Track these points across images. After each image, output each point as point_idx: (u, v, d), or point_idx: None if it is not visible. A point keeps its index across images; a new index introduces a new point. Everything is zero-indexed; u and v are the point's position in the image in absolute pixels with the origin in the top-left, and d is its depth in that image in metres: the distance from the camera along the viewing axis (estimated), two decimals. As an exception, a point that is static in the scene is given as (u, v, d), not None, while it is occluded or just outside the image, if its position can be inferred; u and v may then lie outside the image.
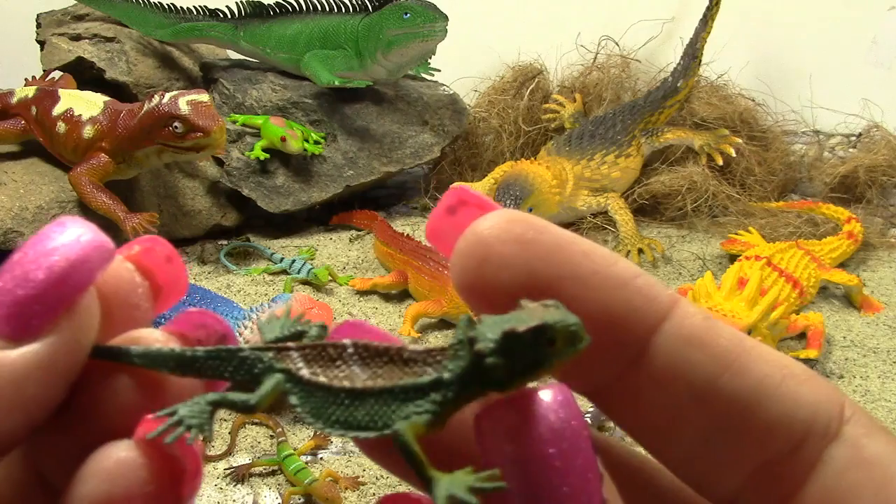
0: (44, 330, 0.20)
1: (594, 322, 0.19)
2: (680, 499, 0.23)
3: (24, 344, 0.20)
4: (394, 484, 0.79)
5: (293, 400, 0.22)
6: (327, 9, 1.47)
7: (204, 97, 1.14)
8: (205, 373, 0.23)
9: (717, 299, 0.95)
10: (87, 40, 1.49)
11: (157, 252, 0.24)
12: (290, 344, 0.23)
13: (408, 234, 1.25)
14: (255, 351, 0.23)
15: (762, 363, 0.20)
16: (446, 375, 0.20)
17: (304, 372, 0.22)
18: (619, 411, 0.21)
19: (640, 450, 0.22)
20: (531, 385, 0.19)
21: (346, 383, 0.21)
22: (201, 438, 0.21)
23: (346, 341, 0.22)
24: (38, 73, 1.48)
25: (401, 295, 1.18)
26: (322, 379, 0.21)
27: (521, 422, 0.18)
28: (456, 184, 0.21)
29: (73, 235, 0.21)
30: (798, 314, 1.04)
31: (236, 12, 1.52)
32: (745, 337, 0.21)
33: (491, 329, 0.19)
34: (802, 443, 0.20)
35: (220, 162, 1.40)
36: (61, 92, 1.28)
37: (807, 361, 0.95)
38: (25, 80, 1.47)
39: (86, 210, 1.22)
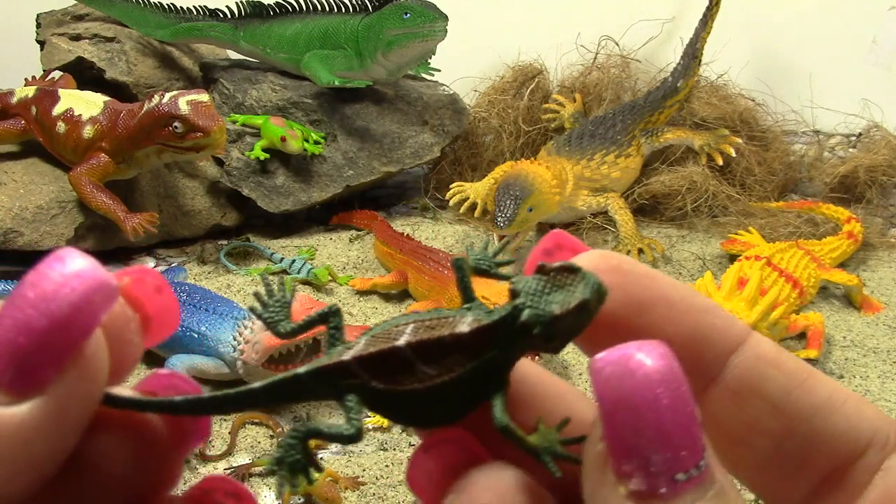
0: (50, 381, 0.19)
1: (682, 340, 0.22)
2: None
3: (29, 397, 0.19)
4: (394, 484, 0.79)
5: (380, 412, 0.23)
6: (327, 9, 1.47)
7: (204, 97, 1.14)
8: (267, 404, 0.23)
9: (717, 299, 0.95)
10: (87, 40, 1.49)
11: (147, 283, 0.23)
12: (343, 359, 0.23)
13: (408, 234, 1.25)
14: (311, 375, 0.23)
15: (829, 384, 0.23)
16: (502, 353, 0.22)
17: (377, 384, 0.23)
18: (707, 414, 0.23)
19: None
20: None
21: (419, 385, 0.22)
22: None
23: (401, 343, 0.23)
24: (38, 73, 1.48)
25: (401, 295, 1.18)
26: (397, 386, 0.22)
27: (635, 366, 0.20)
28: (554, 230, 0.22)
29: (73, 274, 0.20)
30: (798, 314, 1.04)
31: (236, 12, 1.52)
32: (804, 364, 0.24)
33: (536, 306, 0.22)
34: (865, 453, 0.22)
35: (220, 162, 1.40)
36: (61, 92, 1.28)
37: (807, 361, 0.95)
38: (25, 80, 1.47)
39: (86, 210, 1.22)
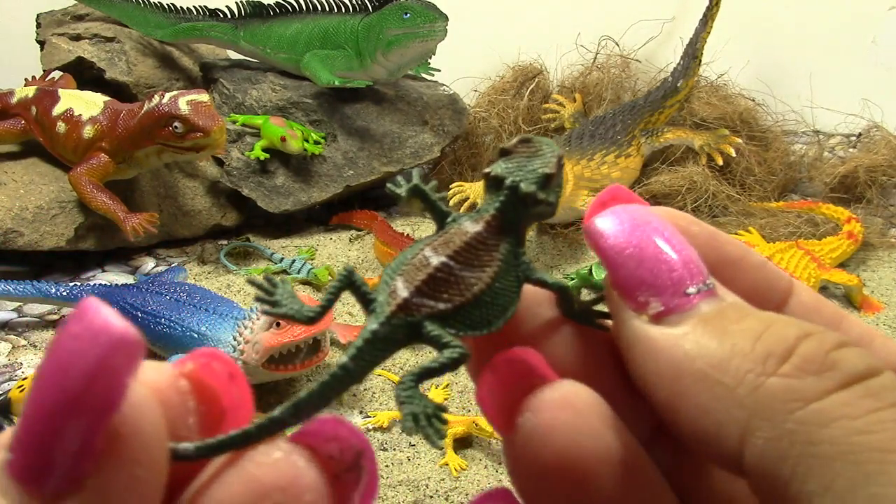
0: (87, 472, 0.15)
1: (745, 297, 0.23)
2: None
3: (65, 500, 0.15)
4: (394, 484, 0.79)
5: (453, 330, 0.23)
6: (327, 9, 1.47)
7: (204, 97, 1.14)
8: (361, 376, 0.22)
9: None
10: (87, 40, 1.49)
11: (218, 369, 0.20)
12: (403, 296, 0.23)
13: (408, 234, 1.25)
14: (384, 325, 0.23)
15: (860, 325, 0.25)
16: (515, 233, 0.25)
17: (442, 305, 0.23)
18: None
19: None
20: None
21: (476, 290, 0.23)
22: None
23: (439, 261, 0.23)
24: (38, 73, 1.48)
25: (401, 295, 1.18)
26: (459, 299, 0.23)
27: (626, 213, 0.23)
28: (613, 185, 0.24)
29: (89, 335, 0.16)
30: (798, 314, 1.04)
31: (236, 12, 1.52)
32: (838, 306, 0.26)
33: (527, 177, 0.25)
34: None
35: (220, 162, 1.40)
36: (61, 92, 1.28)
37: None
38: (25, 80, 1.47)
39: (86, 210, 1.22)
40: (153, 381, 0.18)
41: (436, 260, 0.23)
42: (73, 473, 0.15)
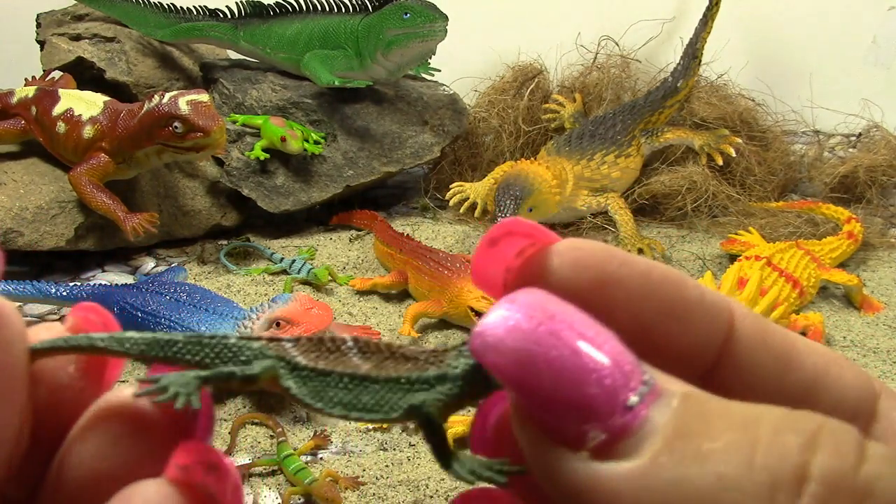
0: None
1: (676, 343, 0.20)
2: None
3: None
4: (394, 484, 0.79)
5: (288, 382, 0.21)
6: (327, 9, 1.47)
7: (204, 97, 1.14)
8: (181, 358, 0.22)
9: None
10: (87, 40, 1.49)
11: (94, 319, 0.23)
12: (282, 336, 0.22)
13: (408, 234, 1.25)
14: (243, 340, 0.22)
15: (811, 354, 0.21)
16: (452, 372, 0.20)
17: (301, 359, 0.22)
18: None
19: None
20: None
21: (349, 370, 0.21)
22: (189, 406, 0.20)
23: (346, 336, 0.22)
24: (38, 73, 1.48)
25: (401, 295, 1.18)
26: (321, 365, 0.21)
27: (511, 326, 0.18)
28: (508, 219, 0.20)
29: None
30: (798, 314, 1.04)
31: (236, 12, 1.52)
32: (786, 330, 0.21)
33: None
34: (853, 421, 0.20)
35: (220, 162, 1.40)
36: (61, 92, 1.28)
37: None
38: (25, 80, 1.47)
39: (86, 210, 1.22)
40: (43, 336, 0.21)
41: (348, 335, 0.22)
42: None
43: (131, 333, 0.22)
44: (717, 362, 0.20)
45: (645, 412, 0.17)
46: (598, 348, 0.17)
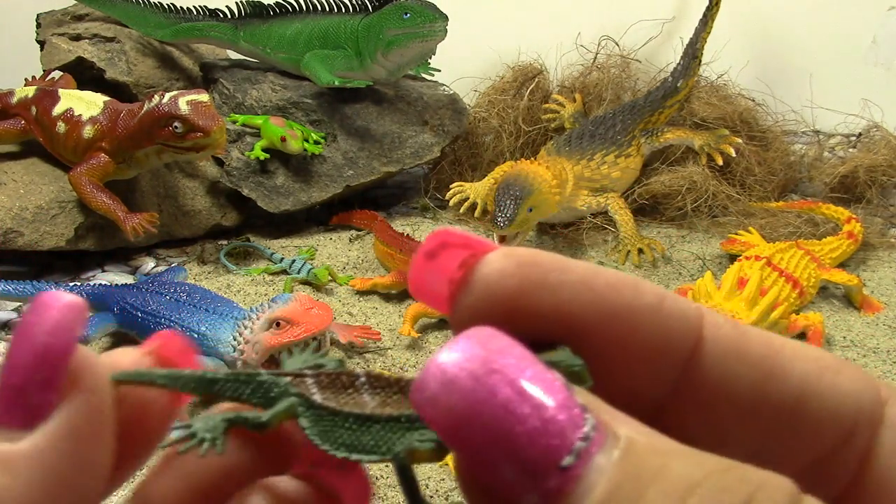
0: (50, 406, 0.20)
1: (634, 354, 0.19)
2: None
3: (36, 426, 0.19)
4: (394, 484, 0.79)
5: (303, 423, 0.22)
6: (327, 9, 1.47)
7: (204, 97, 1.14)
8: (223, 394, 0.23)
9: (717, 299, 0.95)
10: (87, 40, 1.49)
11: (174, 345, 0.23)
12: (306, 371, 0.23)
13: (408, 234, 1.25)
14: (272, 376, 0.23)
15: (798, 361, 0.19)
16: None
17: (317, 397, 0.22)
18: (671, 433, 0.20)
19: None
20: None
21: (356, 409, 0.21)
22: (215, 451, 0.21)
23: (359, 371, 0.22)
24: (38, 73, 1.48)
25: (401, 295, 1.18)
26: (332, 404, 0.22)
27: (444, 379, 0.17)
28: (440, 229, 0.19)
29: (43, 306, 0.21)
30: (798, 314, 1.04)
31: (236, 12, 1.52)
32: (773, 336, 0.20)
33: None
34: (852, 434, 0.19)
35: (220, 162, 1.40)
36: (61, 92, 1.28)
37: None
38: (25, 80, 1.47)
39: (86, 210, 1.22)
40: (124, 361, 0.22)
41: (362, 371, 0.22)
42: (41, 407, 0.19)
43: (186, 371, 0.23)
44: (683, 377, 0.19)
45: (580, 472, 0.16)
46: (534, 403, 0.16)
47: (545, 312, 0.18)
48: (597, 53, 1.59)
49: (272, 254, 1.28)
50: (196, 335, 0.94)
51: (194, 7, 1.54)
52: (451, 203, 1.36)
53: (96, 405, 0.20)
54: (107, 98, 1.26)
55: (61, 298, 0.21)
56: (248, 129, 1.42)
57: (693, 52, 1.48)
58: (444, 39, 1.35)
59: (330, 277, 1.21)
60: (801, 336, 1.03)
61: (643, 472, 0.16)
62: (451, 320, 0.20)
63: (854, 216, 1.26)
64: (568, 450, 0.16)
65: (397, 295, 1.18)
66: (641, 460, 0.16)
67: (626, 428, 0.17)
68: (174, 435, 0.21)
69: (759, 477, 0.16)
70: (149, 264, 1.30)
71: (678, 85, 1.46)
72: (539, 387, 0.16)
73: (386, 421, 0.21)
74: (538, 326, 0.19)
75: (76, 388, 0.20)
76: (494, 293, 0.19)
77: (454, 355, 0.17)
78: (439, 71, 1.55)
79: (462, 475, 0.17)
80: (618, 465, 0.16)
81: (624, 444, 0.16)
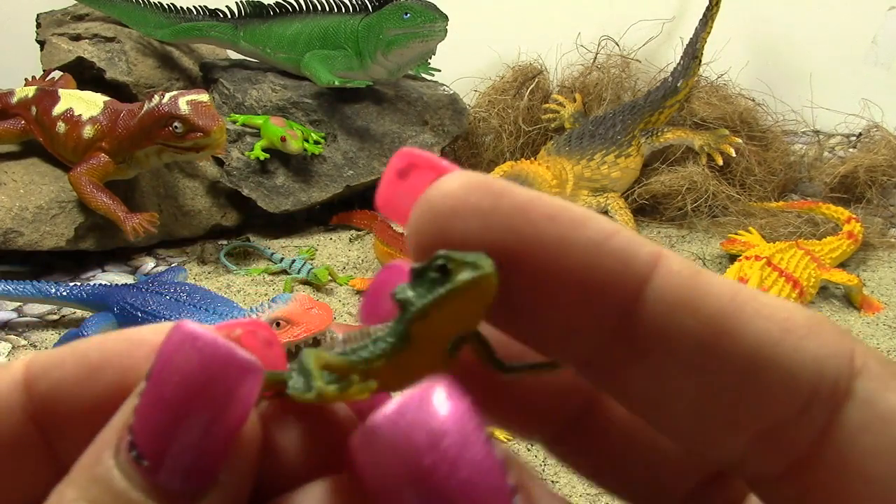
0: (219, 471, 0.18)
1: (569, 293, 0.17)
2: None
3: (209, 492, 0.18)
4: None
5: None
6: (327, 9, 1.47)
7: (204, 97, 1.14)
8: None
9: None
10: (87, 40, 1.49)
11: (259, 335, 0.20)
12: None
13: (408, 234, 1.25)
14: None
15: (759, 319, 0.17)
16: (381, 334, 0.20)
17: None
18: (607, 384, 0.19)
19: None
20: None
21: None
22: None
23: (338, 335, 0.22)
24: (38, 73, 1.48)
25: (401, 295, 1.18)
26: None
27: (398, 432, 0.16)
28: (404, 149, 0.19)
29: (210, 356, 0.17)
30: (798, 314, 1.04)
31: (236, 12, 1.52)
32: (741, 288, 0.17)
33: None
34: (808, 406, 0.17)
35: (220, 162, 1.40)
36: (61, 92, 1.28)
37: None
38: (25, 80, 1.47)
39: (86, 210, 1.22)
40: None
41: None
42: (212, 472, 0.18)
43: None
44: (622, 324, 0.17)
45: None
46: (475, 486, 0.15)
47: (480, 238, 0.18)
48: (597, 53, 1.59)
49: (272, 254, 1.28)
50: (196, 335, 0.94)
51: (194, 7, 1.54)
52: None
53: (251, 470, 0.18)
54: (107, 98, 1.26)
55: (240, 356, 0.18)
56: (248, 129, 1.42)
57: (693, 52, 1.48)
58: (444, 39, 1.35)
59: (330, 277, 1.21)
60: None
61: None
62: (407, 240, 0.19)
63: (854, 216, 1.26)
64: None
65: (397, 295, 1.18)
66: None
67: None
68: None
69: None
70: (149, 264, 1.30)
71: (678, 85, 1.46)
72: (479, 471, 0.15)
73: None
74: (477, 249, 0.18)
75: (240, 456, 0.18)
76: (437, 215, 0.18)
77: (401, 425, 0.16)
78: (439, 71, 1.55)
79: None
80: None
81: None
